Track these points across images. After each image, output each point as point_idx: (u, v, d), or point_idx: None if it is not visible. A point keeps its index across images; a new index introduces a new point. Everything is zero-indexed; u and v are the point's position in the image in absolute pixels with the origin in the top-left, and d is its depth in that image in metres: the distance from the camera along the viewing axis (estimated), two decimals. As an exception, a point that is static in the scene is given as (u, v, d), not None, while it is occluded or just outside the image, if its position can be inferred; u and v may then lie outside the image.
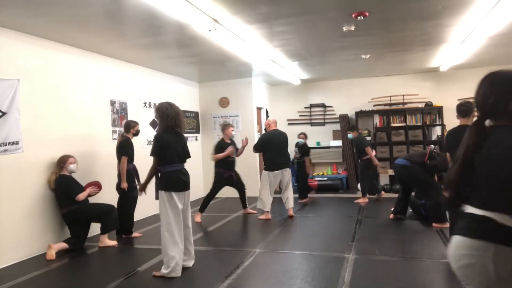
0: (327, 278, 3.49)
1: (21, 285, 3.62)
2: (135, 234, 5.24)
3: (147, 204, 5.48)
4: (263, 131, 6.65)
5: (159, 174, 3.75)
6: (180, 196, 3.73)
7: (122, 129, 5.96)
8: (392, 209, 5.75)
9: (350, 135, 7.45)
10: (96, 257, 4.49)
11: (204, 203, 6.14)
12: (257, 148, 6.20)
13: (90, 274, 3.97)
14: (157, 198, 3.72)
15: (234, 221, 6.12)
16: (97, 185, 4.88)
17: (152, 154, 3.71)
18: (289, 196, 6.16)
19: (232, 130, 6.32)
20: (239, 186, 6.37)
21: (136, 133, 5.28)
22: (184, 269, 3.73)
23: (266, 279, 3.55)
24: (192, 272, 3.78)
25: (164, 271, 3.58)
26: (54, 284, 3.74)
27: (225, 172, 6.17)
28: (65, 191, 4.59)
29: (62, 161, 4.68)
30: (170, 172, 3.70)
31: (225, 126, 6.33)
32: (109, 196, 5.12)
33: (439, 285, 3.31)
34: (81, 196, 4.62)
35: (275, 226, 5.66)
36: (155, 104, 7.07)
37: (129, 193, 5.08)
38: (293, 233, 5.33)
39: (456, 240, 1.61)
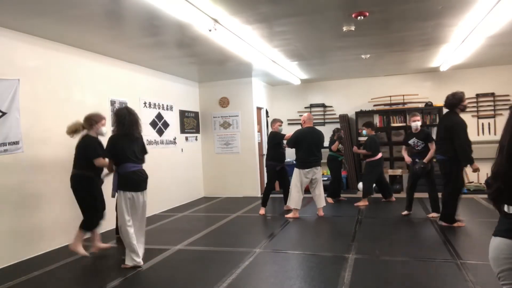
0: (327, 278, 3.48)
1: (21, 285, 3.62)
2: None
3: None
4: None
5: (117, 173, 3.91)
6: (132, 195, 3.90)
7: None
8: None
9: (364, 132, 7.12)
10: (96, 257, 4.49)
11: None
12: (290, 143, 6.17)
13: (91, 274, 3.97)
14: (113, 196, 3.92)
15: (234, 221, 6.12)
16: None
17: (105, 155, 4.00)
18: (320, 195, 6.13)
19: (280, 125, 6.57)
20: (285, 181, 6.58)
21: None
22: (181, 269, 3.70)
23: (266, 279, 3.55)
24: (192, 272, 3.78)
25: (128, 262, 3.89)
26: (54, 284, 3.74)
27: (277, 165, 6.42)
28: (85, 151, 4.19)
29: (94, 120, 4.30)
30: (127, 172, 3.87)
31: (273, 121, 6.65)
32: (109, 196, 5.11)
33: (439, 285, 3.31)
34: (101, 161, 4.15)
35: (275, 226, 5.66)
36: (155, 104, 7.08)
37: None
38: (293, 233, 5.33)
39: (499, 242, 1.48)
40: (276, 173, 6.46)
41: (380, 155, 6.99)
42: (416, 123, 5.78)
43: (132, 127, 3.93)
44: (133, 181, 3.90)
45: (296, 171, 6.09)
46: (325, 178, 8.79)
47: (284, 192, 6.63)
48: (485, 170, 8.10)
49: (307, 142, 6.02)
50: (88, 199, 4.27)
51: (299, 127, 9.38)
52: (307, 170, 6.01)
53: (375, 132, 7.29)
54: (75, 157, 4.29)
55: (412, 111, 8.62)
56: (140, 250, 3.99)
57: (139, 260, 3.91)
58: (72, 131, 4.28)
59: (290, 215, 6.08)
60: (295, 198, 6.02)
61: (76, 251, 4.28)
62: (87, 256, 4.31)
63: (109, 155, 3.95)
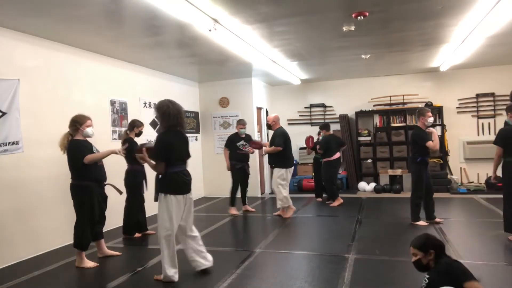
0: (327, 278, 3.48)
1: (21, 285, 3.62)
2: (149, 232, 5.35)
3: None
4: (265, 127, 6.73)
5: (160, 175, 3.54)
6: (180, 199, 3.54)
7: (122, 129, 5.97)
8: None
9: (322, 134, 7.32)
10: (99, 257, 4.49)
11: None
12: (281, 143, 6.02)
13: (91, 274, 3.97)
14: (156, 200, 3.55)
15: (234, 221, 6.12)
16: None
17: (156, 158, 3.50)
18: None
19: (241, 128, 6.56)
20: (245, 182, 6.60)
21: (139, 134, 5.25)
22: (181, 269, 3.63)
23: (266, 279, 3.54)
24: (192, 272, 3.78)
25: (163, 275, 3.50)
26: (54, 284, 3.74)
27: (236, 164, 6.44)
28: (72, 160, 3.97)
29: (79, 122, 4.03)
30: (172, 173, 3.51)
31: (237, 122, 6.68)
32: (108, 197, 5.11)
33: (439, 285, 3.31)
34: (90, 158, 3.90)
35: (275, 226, 5.66)
36: (155, 104, 7.05)
37: (137, 191, 5.15)
38: (293, 233, 5.33)
39: None
40: (237, 172, 6.48)
41: (336, 155, 7.07)
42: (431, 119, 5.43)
43: (179, 116, 3.59)
44: (180, 183, 3.56)
45: (282, 171, 6.03)
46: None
47: (242, 193, 6.64)
48: (485, 170, 8.15)
49: (289, 141, 6.14)
50: (81, 210, 3.98)
51: (299, 126, 9.46)
52: (291, 168, 6.11)
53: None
54: (68, 166, 4.06)
55: (412, 111, 8.65)
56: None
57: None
58: (65, 146, 4.04)
59: (289, 214, 6.07)
60: (286, 196, 6.01)
61: (84, 267, 4.03)
62: (97, 266, 4.07)
63: (163, 158, 3.49)
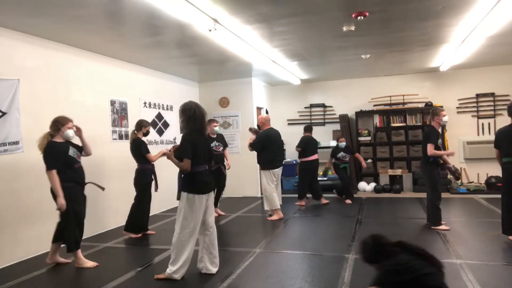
0: (327, 278, 3.48)
1: (21, 285, 3.62)
2: (150, 232, 5.36)
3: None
4: (256, 127, 6.64)
5: (183, 174, 3.57)
6: (202, 198, 3.57)
7: (122, 129, 5.97)
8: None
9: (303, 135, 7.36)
10: (99, 256, 4.49)
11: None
12: (257, 147, 6.08)
13: (91, 274, 3.96)
14: (178, 198, 3.57)
15: (234, 221, 6.12)
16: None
17: (184, 156, 3.49)
18: (279, 193, 6.27)
19: (215, 126, 6.41)
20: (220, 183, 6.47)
21: (146, 133, 5.28)
22: (188, 268, 3.63)
23: (266, 279, 3.54)
24: (192, 272, 3.78)
25: (168, 271, 3.52)
26: (55, 284, 3.74)
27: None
28: (45, 160, 3.85)
29: (60, 123, 3.95)
30: (196, 173, 3.55)
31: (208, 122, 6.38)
32: (108, 197, 5.12)
33: (439, 285, 3.31)
34: (52, 176, 3.76)
35: (275, 226, 5.66)
36: (155, 104, 7.08)
37: (147, 191, 5.15)
38: (293, 233, 5.33)
39: None
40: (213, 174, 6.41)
41: (313, 157, 7.07)
42: (446, 118, 5.24)
43: (203, 120, 3.64)
44: (203, 182, 3.60)
45: (265, 172, 6.04)
46: (325, 179, 8.72)
47: (216, 194, 6.38)
48: (484, 170, 8.15)
49: (275, 143, 6.11)
50: (66, 213, 3.86)
51: (299, 127, 9.45)
52: (276, 170, 6.10)
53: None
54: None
55: (412, 111, 8.66)
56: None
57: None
58: (43, 146, 3.92)
59: (274, 217, 6.03)
60: (273, 199, 6.00)
61: (83, 267, 4.01)
62: (97, 265, 4.04)
63: (189, 156, 3.49)
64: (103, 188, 4.38)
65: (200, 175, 3.58)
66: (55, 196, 3.84)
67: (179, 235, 3.52)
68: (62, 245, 4.11)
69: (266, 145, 6.04)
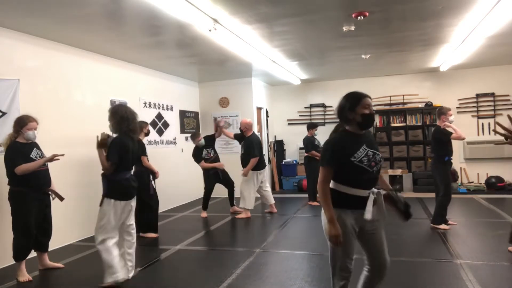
0: (327, 278, 3.46)
1: (21, 285, 3.61)
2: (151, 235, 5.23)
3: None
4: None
5: (108, 180, 3.41)
6: (125, 205, 3.46)
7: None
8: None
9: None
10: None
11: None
12: (258, 152, 6.23)
13: (90, 274, 3.97)
14: (101, 204, 3.40)
15: (234, 221, 6.12)
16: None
17: (110, 159, 3.35)
18: (270, 192, 6.57)
19: (199, 140, 6.46)
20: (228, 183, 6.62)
21: (147, 133, 5.35)
22: (181, 269, 3.62)
23: (266, 279, 3.54)
24: (192, 272, 3.78)
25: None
26: (55, 284, 3.74)
27: (210, 169, 6.47)
28: (6, 166, 3.61)
29: (23, 122, 3.67)
30: (123, 180, 3.46)
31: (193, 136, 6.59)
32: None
33: (439, 285, 3.31)
34: (22, 168, 3.52)
35: (275, 226, 5.66)
36: (155, 104, 7.08)
37: (143, 193, 5.08)
38: (293, 233, 5.33)
39: None
40: (210, 178, 6.51)
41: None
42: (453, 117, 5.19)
43: (134, 122, 3.54)
44: (125, 188, 3.49)
45: (251, 173, 6.19)
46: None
47: (229, 194, 6.71)
48: (484, 170, 8.15)
49: (261, 147, 6.44)
50: (15, 219, 3.64)
51: (299, 127, 9.45)
52: (262, 170, 6.34)
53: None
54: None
55: (412, 111, 8.66)
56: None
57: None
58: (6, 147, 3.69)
59: (242, 215, 6.21)
60: (251, 199, 6.21)
61: (17, 279, 3.67)
62: (31, 281, 3.68)
63: (118, 158, 3.38)
64: (62, 199, 3.96)
65: (126, 181, 3.49)
66: (10, 199, 3.66)
67: (101, 243, 3.37)
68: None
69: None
